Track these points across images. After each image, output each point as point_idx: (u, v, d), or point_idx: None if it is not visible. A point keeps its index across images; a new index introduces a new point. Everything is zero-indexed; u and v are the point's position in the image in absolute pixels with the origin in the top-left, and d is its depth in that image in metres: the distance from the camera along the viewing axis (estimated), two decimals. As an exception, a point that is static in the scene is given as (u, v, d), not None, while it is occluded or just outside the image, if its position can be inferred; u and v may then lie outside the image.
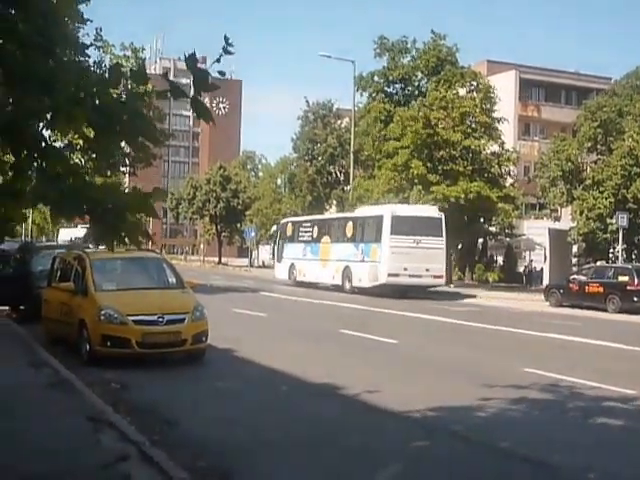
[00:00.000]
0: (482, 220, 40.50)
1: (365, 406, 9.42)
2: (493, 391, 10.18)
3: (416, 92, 45.75)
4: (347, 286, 32.31)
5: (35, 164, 3.15)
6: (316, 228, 36.76)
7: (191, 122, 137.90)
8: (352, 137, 46.64)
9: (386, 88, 46.25)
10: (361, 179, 46.40)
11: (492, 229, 42.25)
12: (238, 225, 77.39)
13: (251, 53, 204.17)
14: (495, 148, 39.81)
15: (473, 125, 38.71)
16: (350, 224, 33.79)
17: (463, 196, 35.99)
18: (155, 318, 11.82)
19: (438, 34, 44.79)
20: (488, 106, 39.15)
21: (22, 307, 18.42)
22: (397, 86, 46.46)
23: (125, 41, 32.19)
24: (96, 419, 7.83)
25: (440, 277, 30.95)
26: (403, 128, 38.48)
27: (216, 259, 78.14)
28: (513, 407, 9.38)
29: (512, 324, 19.74)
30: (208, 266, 67.57)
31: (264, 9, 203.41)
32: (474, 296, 32.38)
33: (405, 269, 29.68)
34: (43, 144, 3.16)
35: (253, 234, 62.57)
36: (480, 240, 46.01)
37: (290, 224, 39.86)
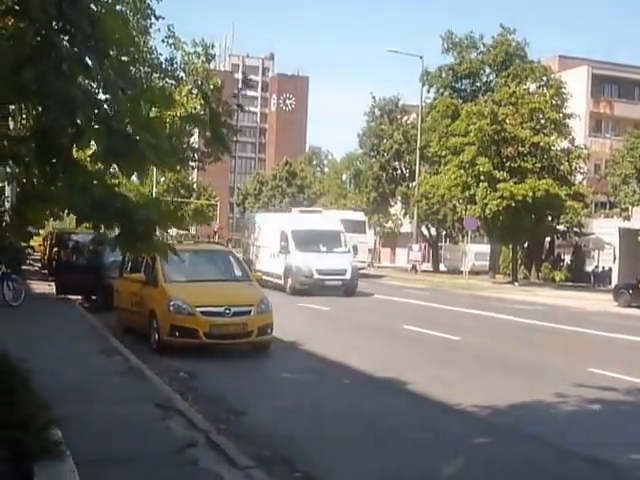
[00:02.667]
0: (550, 218, 39.48)
1: (427, 401, 9.43)
2: (556, 390, 10.03)
3: (484, 87, 45.12)
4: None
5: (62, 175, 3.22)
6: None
7: (258, 118, 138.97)
8: (419, 133, 46.31)
9: (453, 83, 45.76)
10: (427, 175, 46.05)
11: (560, 227, 41.18)
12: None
13: (318, 50, 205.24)
14: (565, 145, 38.72)
15: (543, 121, 37.76)
16: None
17: (531, 194, 35.22)
18: (222, 310, 12.07)
19: (507, 28, 44.10)
20: (559, 102, 38.14)
21: (94, 297, 18.97)
22: (465, 81, 45.90)
23: (196, 38, 32.67)
24: (164, 406, 8.02)
25: (364, 262, 41.56)
26: (469, 124, 37.95)
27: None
28: (576, 406, 9.28)
29: (578, 324, 19.33)
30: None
31: (331, 6, 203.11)
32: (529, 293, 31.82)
33: None
34: (68, 157, 3.22)
35: (317, 230, 62.78)
36: (547, 239, 45.08)
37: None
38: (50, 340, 12.21)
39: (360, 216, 44.24)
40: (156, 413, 7.76)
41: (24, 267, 24.88)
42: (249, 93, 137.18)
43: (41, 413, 5.15)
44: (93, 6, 3.43)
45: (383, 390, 10.24)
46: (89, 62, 3.31)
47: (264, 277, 25.48)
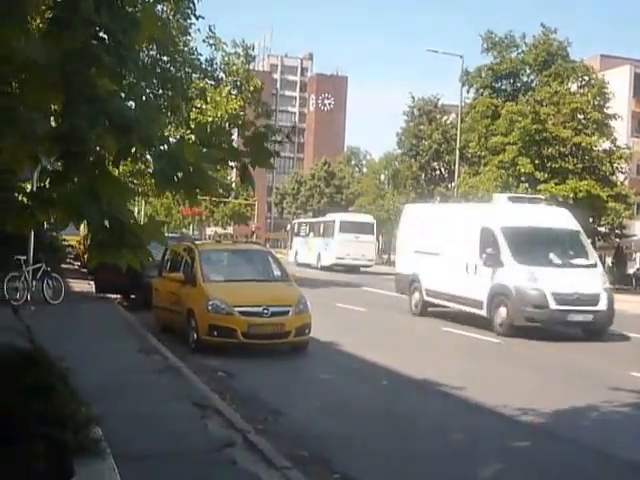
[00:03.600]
0: (591, 220, 38.79)
1: (466, 403, 9.31)
2: (598, 394, 9.87)
3: (524, 87, 44.55)
4: (318, 265, 45.10)
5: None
6: (307, 227, 52.11)
7: (297, 118, 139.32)
8: (458, 133, 45.87)
9: (493, 83, 45.21)
10: (466, 176, 45.61)
11: (601, 229, 40.45)
12: (341, 220, 77.61)
13: (357, 49, 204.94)
14: (607, 145, 38.09)
15: (584, 121, 37.18)
16: (322, 224, 49.20)
17: (572, 195, 34.75)
18: (260, 310, 12.05)
19: (548, 28, 43.47)
20: (601, 102, 37.54)
21: (133, 296, 19.12)
22: (504, 81, 45.36)
23: (237, 38, 32.77)
24: (202, 405, 8.03)
25: (371, 260, 46.51)
26: (510, 123, 37.43)
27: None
28: (618, 411, 9.12)
29: (620, 327, 18.90)
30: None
31: (369, 6, 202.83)
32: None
33: (348, 254, 44.35)
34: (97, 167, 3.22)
35: (355, 230, 62.57)
36: (588, 240, 44.25)
37: (297, 224, 55.79)
38: (88, 338, 12.27)
39: (368, 218, 49.29)
40: (194, 412, 7.78)
41: (63, 265, 25.28)
42: (287, 93, 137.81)
43: (80, 411, 5.16)
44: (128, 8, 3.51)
45: (421, 391, 10.15)
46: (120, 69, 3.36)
47: (442, 302, 19.15)
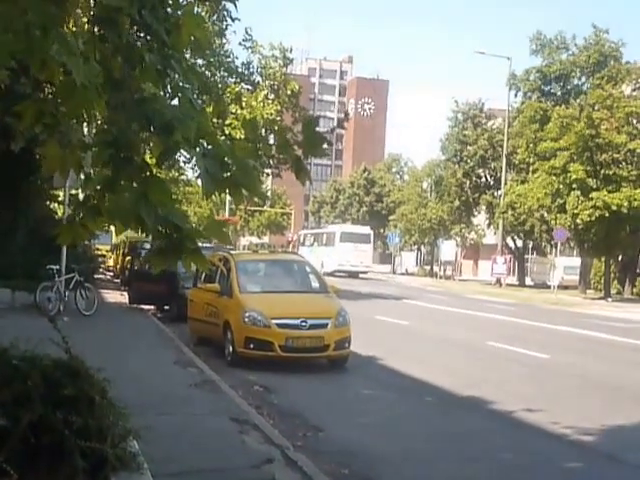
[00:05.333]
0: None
1: (514, 422, 8.98)
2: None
3: (575, 91, 43.55)
4: (321, 271, 49.56)
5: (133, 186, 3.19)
6: (312, 237, 59.06)
7: (335, 123, 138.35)
8: (505, 138, 45.11)
9: (542, 86, 44.28)
10: (513, 184, 44.73)
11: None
12: (381, 230, 77.00)
13: (399, 52, 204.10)
14: None
15: (639, 126, 35.86)
16: (324, 235, 55.64)
17: (626, 204, 33.31)
18: (298, 322, 11.77)
19: (599, 28, 42.50)
20: None
21: (167, 307, 18.93)
22: (554, 84, 44.37)
23: (274, 41, 32.36)
24: (240, 420, 7.85)
25: (369, 267, 53.00)
26: (561, 128, 36.26)
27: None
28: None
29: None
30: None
31: (414, 7, 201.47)
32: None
33: (348, 261, 49.57)
34: (147, 172, 3.19)
35: (397, 240, 62.15)
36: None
37: (303, 235, 63.35)
38: (123, 350, 12.16)
39: (366, 230, 55.99)
40: (232, 427, 7.59)
41: (97, 276, 25.36)
42: (326, 97, 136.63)
43: (119, 424, 5.06)
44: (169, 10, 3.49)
45: (467, 408, 9.78)
46: (164, 69, 3.33)
47: None
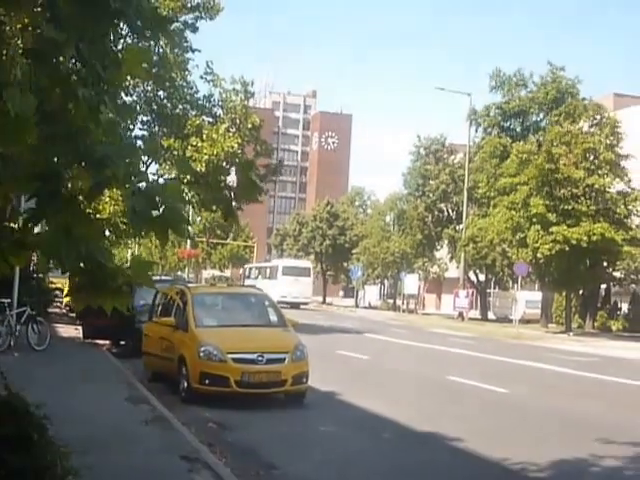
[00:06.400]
0: (606, 264, 37.71)
1: (471, 457, 8.88)
2: (609, 448, 9.29)
3: (533, 127, 44.23)
4: None
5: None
6: (257, 271, 65.31)
7: (299, 157, 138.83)
8: (466, 173, 45.57)
9: (502, 122, 44.93)
10: (474, 218, 45.08)
11: (617, 274, 39.58)
12: (344, 263, 77.00)
13: (362, 88, 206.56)
14: (621, 187, 37.02)
15: (597, 162, 36.25)
16: (268, 269, 62.17)
17: (585, 238, 33.59)
18: (255, 357, 11.56)
19: (555, 66, 43.38)
20: (614, 142, 36.63)
21: (123, 342, 18.48)
22: (513, 120, 45.05)
23: (236, 74, 32.28)
24: (191, 458, 7.63)
25: (308, 298, 58.54)
26: (520, 163, 36.74)
27: (320, 298, 77.79)
28: (629, 466, 8.61)
29: (637, 377, 18.27)
30: (312, 306, 67.34)
31: (374, 44, 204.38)
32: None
33: (290, 293, 54.07)
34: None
35: (360, 273, 62.07)
36: (603, 286, 43.15)
37: (248, 268, 69.53)
38: (73, 386, 11.85)
39: (306, 264, 63.39)
40: (181, 465, 7.38)
41: (50, 310, 24.75)
42: (290, 131, 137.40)
43: (58, 463, 4.94)
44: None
45: (424, 444, 9.70)
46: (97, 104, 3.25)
47: None
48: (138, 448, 8.00)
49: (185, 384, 11.77)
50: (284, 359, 11.74)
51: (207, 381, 11.41)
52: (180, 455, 7.70)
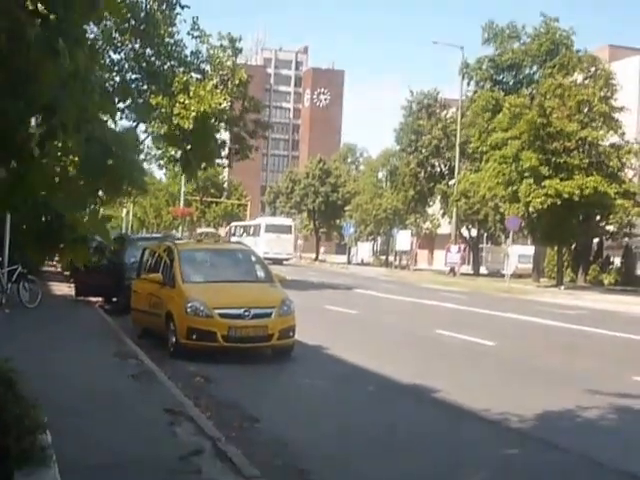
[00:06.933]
0: (598, 218, 37.69)
1: (456, 410, 8.92)
2: (595, 399, 9.43)
3: (526, 80, 43.72)
4: None
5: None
6: (242, 229, 65.07)
7: (291, 114, 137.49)
8: (458, 128, 45.22)
9: (494, 76, 44.35)
10: (467, 173, 44.89)
11: (609, 228, 39.49)
12: (337, 221, 77.07)
13: (354, 43, 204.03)
14: (615, 140, 36.75)
15: (591, 115, 35.94)
16: (252, 227, 62.71)
17: (578, 192, 33.47)
18: (241, 312, 11.60)
19: (548, 17, 42.72)
20: (608, 94, 36.15)
21: (115, 299, 18.59)
22: (506, 74, 44.49)
23: (222, 31, 31.74)
24: (174, 412, 7.70)
25: (290, 254, 60.45)
26: (512, 117, 36.35)
27: (313, 255, 77.98)
28: (614, 417, 8.71)
29: (626, 329, 18.40)
30: (304, 262, 67.43)
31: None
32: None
33: (272, 249, 55.37)
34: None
35: (352, 230, 62.14)
36: (595, 240, 43.15)
37: (233, 227, 68.19)
38: (63, 343, 11.97)
39: (288, 221, 64.88)
40: (164, 418, 7.42)
41: (45, 268, 24.80)
42: (282, 88, 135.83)
43: (27, 417, 4.88)
44: None
45: (409, 397, 9.74)
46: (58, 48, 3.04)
47: None
48: (123, 401, 8.11)
49: (173, 339, 11.83)
50: (270, 314, 11.78)
51: (194, 336, 11.49)
52: (164, 408, 7.76)
